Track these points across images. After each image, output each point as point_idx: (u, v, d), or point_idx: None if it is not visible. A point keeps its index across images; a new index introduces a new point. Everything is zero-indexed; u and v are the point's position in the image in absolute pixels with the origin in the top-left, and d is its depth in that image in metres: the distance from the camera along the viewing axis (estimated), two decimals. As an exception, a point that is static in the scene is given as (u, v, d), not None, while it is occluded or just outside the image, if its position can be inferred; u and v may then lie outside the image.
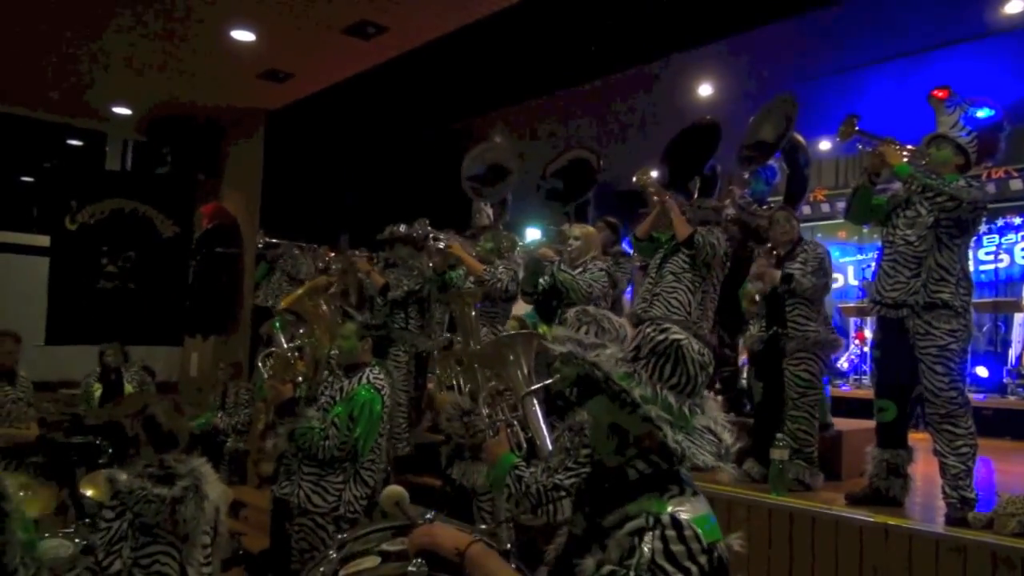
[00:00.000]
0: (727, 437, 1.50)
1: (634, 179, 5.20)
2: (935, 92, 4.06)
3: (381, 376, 4.00)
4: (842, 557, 3.69)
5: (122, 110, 9.07)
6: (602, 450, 1.57)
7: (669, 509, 1.40)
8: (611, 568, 1.39)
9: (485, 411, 2.61)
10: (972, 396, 7.78)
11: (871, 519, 3.68)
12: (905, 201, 3.97)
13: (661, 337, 1.53)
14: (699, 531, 1.38)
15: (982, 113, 3.92)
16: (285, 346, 4.56)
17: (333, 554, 1.95)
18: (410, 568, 1.64)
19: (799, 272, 4.47)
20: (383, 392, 3.93)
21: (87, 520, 4.31)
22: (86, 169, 8.32)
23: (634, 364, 1.52)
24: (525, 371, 2.60)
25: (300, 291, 4.80)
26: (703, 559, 1.36)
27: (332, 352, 4.26)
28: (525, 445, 2.54)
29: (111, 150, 9.86)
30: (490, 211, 6.50)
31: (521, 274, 5.41)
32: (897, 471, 4.00)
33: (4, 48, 7.21)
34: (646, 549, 1.36)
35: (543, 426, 2.50)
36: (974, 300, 8.83)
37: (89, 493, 4.36)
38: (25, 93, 8.55)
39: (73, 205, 7.40)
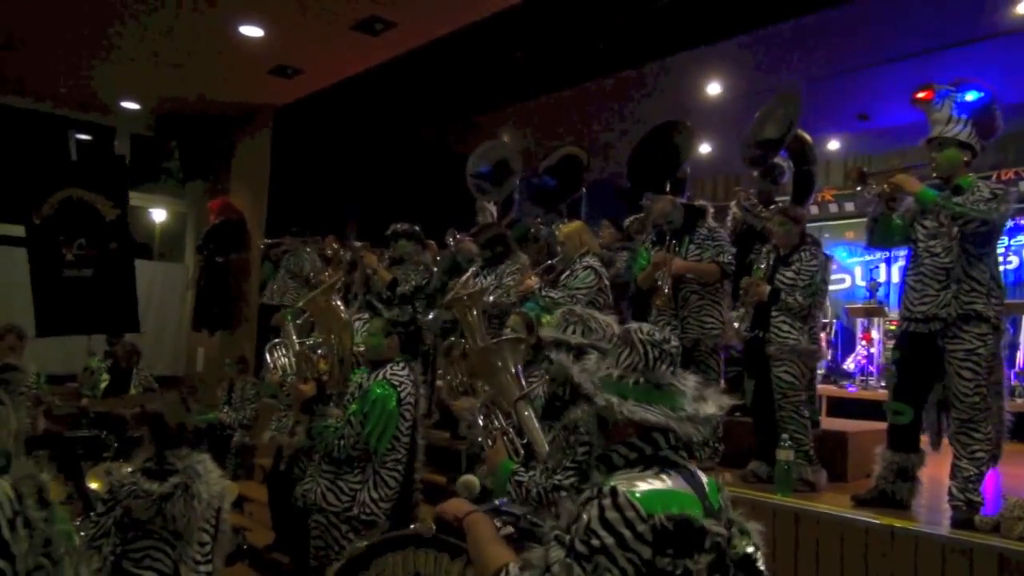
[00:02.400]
0: (708, 406, 1.67)
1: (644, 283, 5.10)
2: (917, 95, 3.96)
3: (402, 373, 3.92)
4: (847, 559, 3.67)
5: (131, 105, 9.10)
6: (597, 443, 1.75)
7: (612, 483, 1.53)
8: (557, 532, 1.56)
9: (480, 421, 2.61)
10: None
11: (877, 521, 3.66)
12: (921, 212, 3.88)
13: (615, 330, 1.84)
14: (635, 501, 1.49)
15: (971, 96, 3.80)
16: (295, 338, 4.55)
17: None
18: (423, 528, 2.05)
19: (789, 286, 4.46)
20: (400, 389, 3.85)
21: (92, 513, 4.34)
22: (43, 163, 8.33)
23: (606, 361, 1.74)
24: (514, 376, 2.60)
25: (318, 291, 4.78)
26: (641, 527, 1.47)
27: (360, 348, 4.23)
28: (522, 450, 2.53)
29: (119, 144, 9.88)
30: (493, 209, 6.48)
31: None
32: (906, 474, 3.96)
33: (13, 41, 7.24)
34: (584, 516, 1.52)
35: (538, 429, 2.49)
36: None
37: (94, 486, 4.39)
38: (34, 86, 8.59)
39: (36, 200, 7.52)
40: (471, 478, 2.27)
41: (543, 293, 4.89)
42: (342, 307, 4.51)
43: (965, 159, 3.81)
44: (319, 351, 4.28)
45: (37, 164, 7.93)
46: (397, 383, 3.86)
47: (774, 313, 4.47)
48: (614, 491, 1.51)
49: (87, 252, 7.50)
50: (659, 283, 4.84)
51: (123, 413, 5.85)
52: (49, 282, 7.35)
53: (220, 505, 3.00)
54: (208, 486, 2.88)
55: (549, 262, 5.12)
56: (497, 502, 2.14)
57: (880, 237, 4.12)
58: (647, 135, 5.72)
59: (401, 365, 3.96)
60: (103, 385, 6.89)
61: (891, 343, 4.85)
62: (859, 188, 4.13)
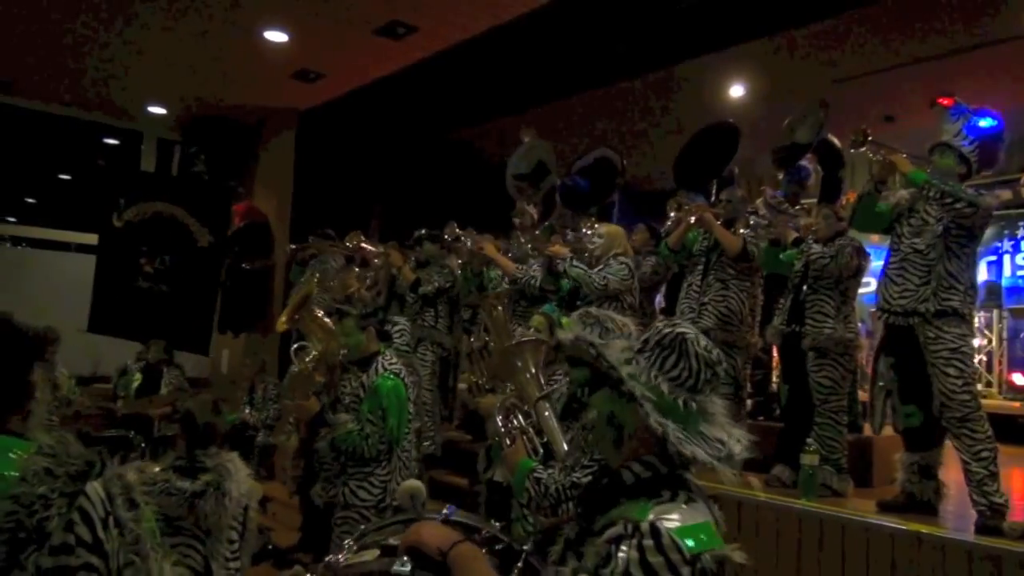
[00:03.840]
0: (733, 443, 1.46)
1: (669, 211, 5.17)
2: (940, 100, 4.09)
3: (394, 360, 4.03)
4: (873, 565, 3.63)
5: (157, 109, 9.23)
6: (602, 445, 1.56)
7: (650, 516, 1.36)
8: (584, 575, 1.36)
9: (499, 420, 2.62)
10: (1009, 403, 7.71)
11: (903, 526, 3.63)
12: (909, 209, 3.99)
13: (668, 330, 1.53)
14: (680, 541, 1.32)
15: (984, 123, 3.95)
16: (315, 340, 4.57)
17: (351, 543, 1.96)
18: (395, 567, 1.64)
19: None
20: (401, 375, 3.98)
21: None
22: (134, 169, 8.57)
23: (638, 355, 1.51)
24: (534, 376, 2.61)
25: (286, 312, 4.73)
26: (685, 570, 1.30)
27: (342, 352, 4.27)
28: (541, 450, 2.54)
29: (146, 149, 10.03)
30: (534, 211, 6.48)
31: (540, 274, 5.41)
32: (928, 473, 3.96)
33: (41, 46, 7.36)
34: (621, 558, 1.32)
35: (557, 429, 2.51)
36: (1013, 306, 8.71)
37: (122, 485, 4.43)
38: (63, 92, 8.73)
39: (121, 203, 7.70)
40: (415, 483, 2.03)
41: (573, 263, 4.90)
42: (325, 316, 4.53)
43: (960, 171, 3.94)
44: (311, 364, 4.30)
45: (120, 171, 8.10)
46: (397, 371, 3.96)
47: (808, 303, 4.48)
48: (655, 529, 1.33)
49: (168, 269, 7.69)
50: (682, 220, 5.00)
51: (151, 414, 5.93)
52: (115, 286, 7.52)
53: (247, 504, 3.03)
54: (238, 484, 2.92)
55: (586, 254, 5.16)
56: (446, 510, 1.92)
57: (862, 218, 4.22)
58: (696, 135, 5.73)
59: (388, 354, 4.04)
60: (135, 385, 6.99)
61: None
62: (852, 150, 4.23)
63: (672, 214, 5.28)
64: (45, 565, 1.43)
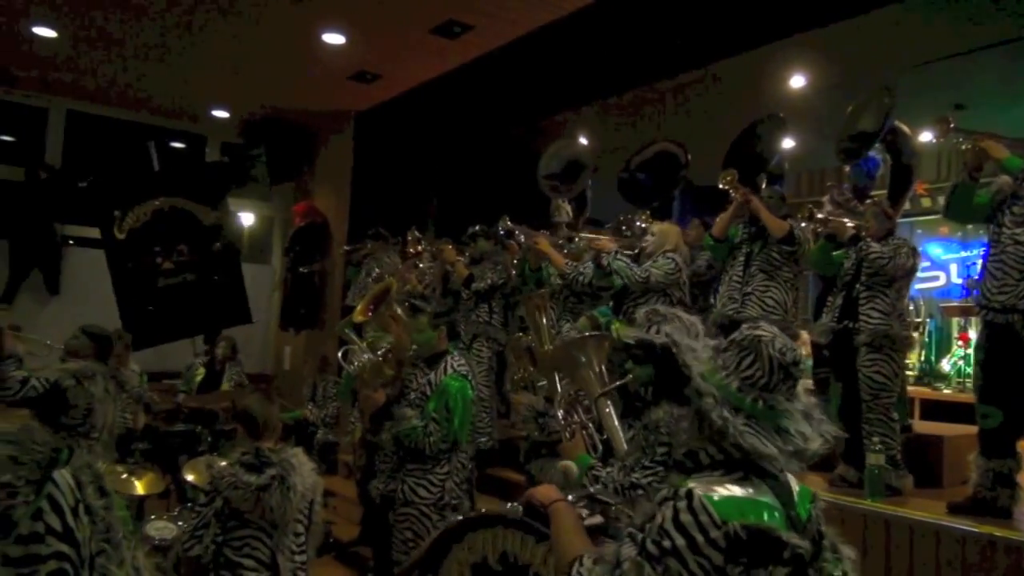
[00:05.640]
0: (814, 442, 1.56)
1: (720, 184, 5.11)
2: None
3: (463, 361, 4.09)
4: (943, 569, 3.52)
5: (221, 113, 9.49)
6: (689, 436, 1.65)
7: (690, 484, 1.51)
8: (631, 529, 1.56)
9: (560, 414, 2.62)
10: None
11: (975, 529, 3.50)
12: (1012, 196, 3.75)
13: (748, 332, 1.64)
14: (710, 506, 1.46)
15: None
16: (359, 344, 4.62)
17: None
18: (510, 506, 2.07)
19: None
20: (469, 376, 4.04)
21: (189, 504, 4.54)
22: (121, 177, 8.39)
23: (721, 354, 1.64)
24: (597, 372, 2.61)
25: (361, 306, 4.74)
26: (714, 533, 1.44)
27: (412, 348, 4.31)
28: (600, 447, 2.54)
29: (210, 152, 10.30)
30: (569, 208, 6.47)
31: (591, 271, 5.38)
32: (1005, 481, 3.78)
33: (108, 52, 7.63)
34: (659, 516, 1.50)
35: (617, 427, 2.50)
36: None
37: (191, 478, 4.59)
38: (130, 97, 9.04)
39: (117, 215, 7.60)
40: (571, 464, 2.31)
41: (616, 256, 4.87)
42: (400, 310, 4.56)
43: None
44: (382, 356, 4.34)
45: (116, 177, 8.11)
46: (465, 372, 4.01)
47: (863, 299, 4.38)
48: (690, 493, 1.49)
49: (189, 257, 7.74)
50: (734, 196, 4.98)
51: (215, 408, 6.09)
52: (139, 297, 7.53)
53: (313, 498, 3.10)
54: (302, 479, 2.98)
55: (635, 251, 5.13)
56: (592, 489, 2.17)
57: (958, 208, 3.99)
58: (745, 130, 5.67)
59: (455, 355, 4.10)
60: (198, 379, 7.19)
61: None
62: (935, 140, 4.01)
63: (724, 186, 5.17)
64: (13, 554, 1.41)
